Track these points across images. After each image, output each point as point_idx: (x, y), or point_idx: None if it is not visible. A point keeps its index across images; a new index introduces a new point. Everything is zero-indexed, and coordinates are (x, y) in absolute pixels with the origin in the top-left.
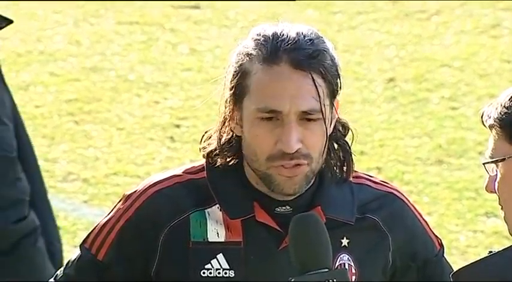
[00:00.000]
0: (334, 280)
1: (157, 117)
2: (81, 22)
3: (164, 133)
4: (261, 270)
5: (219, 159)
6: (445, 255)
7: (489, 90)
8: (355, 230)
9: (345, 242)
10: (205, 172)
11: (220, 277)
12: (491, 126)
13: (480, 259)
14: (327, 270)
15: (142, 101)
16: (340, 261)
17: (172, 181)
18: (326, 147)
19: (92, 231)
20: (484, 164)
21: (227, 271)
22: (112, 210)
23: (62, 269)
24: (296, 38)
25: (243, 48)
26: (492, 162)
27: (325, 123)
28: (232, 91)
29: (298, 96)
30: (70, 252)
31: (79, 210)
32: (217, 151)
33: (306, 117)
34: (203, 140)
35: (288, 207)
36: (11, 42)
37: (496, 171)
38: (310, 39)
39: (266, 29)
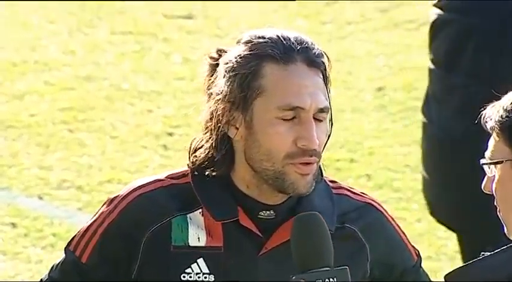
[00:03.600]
0: (335, 279)
1: (151, 125)
2: (76, 32)
3: (157, 141)
4: (240, 275)
5: (208, 171)
6: (422, 265)
7: None
8: (334, 239)
9: None
10: (188, 177)
11: (200, 281)
12: (491, 128)
13: (473, 261)
14: (328, 269)
15: (135, 110)
16: None
17: (155, 185)
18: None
19: (76, 234)
20: (482, 164)
21: (207, 275)
22: (96, 213)
23: (47, 272)
24: (304, 39)
25: (244, 52)
26: (490, 163)
27: (331, 121)
28: (239, 94)
29: (316, 93)
30: None
31: (73, 217)
32: (207, 163)
33: (318, 115)
34: (191, 153)
35: (271, 212)
36: (6, 52)
37: (494, 172)
38: (312, 42)
39: (265, 33)
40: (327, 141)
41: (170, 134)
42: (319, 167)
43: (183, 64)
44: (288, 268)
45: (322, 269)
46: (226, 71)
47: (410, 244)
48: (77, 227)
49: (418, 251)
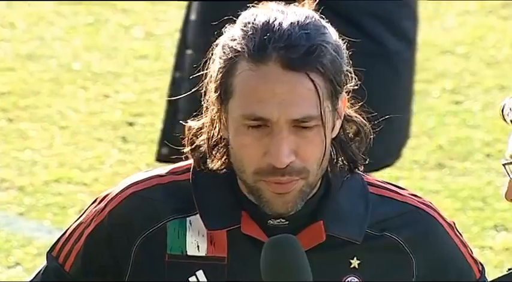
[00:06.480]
0: None
1: (107, 113)
2: (16, 1)
3: (115, 132)
4: None
5: (209, 164)
6: None
7: (498, 80)
8: (369, 250)
9: (355, 262)
10: (190, 173)
11: None
12: None
13: (501, 276)
14: None
15: (88, 95)
16: None
17: (152, 182)
18: (325, 156)
19: (60, 237)
20: (504, 165)
21: None
22: (84, 213)
23: (30, 279)
24: (289, 32)
25: (229, 39)
26: None
27: (324, 130)
28: (216, 91)
29: (290, 102)
30: (2, 273)
31: (14, 224)
32: (206, 155)
33: (300, 124)
34: (188, 141)
35: (282, 220)
36: None
37: None
38: (306, 32)
39: (257, 16)
40: (326, 148)
41: (131, 124)
42: (353, 161)
43: (146, 40)
44: None
45: None
46: (214, 58)
47: (473, 258)
48: (18, 236)
49: (482, 266)
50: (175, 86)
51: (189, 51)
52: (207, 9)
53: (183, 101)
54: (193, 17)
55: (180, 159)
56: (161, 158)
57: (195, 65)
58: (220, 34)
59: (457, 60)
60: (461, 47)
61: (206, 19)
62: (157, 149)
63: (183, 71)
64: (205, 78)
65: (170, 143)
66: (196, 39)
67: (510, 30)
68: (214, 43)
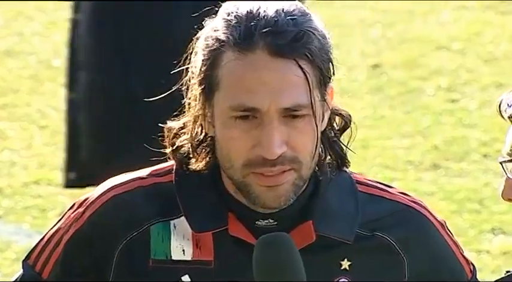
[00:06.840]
0: None
1: None
2: None
3: None
4: None
5: (193, 165)
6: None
7: (496, 77)
8: (360, 251)
9: (345, 264)
10: (173, 174)
11: None
12: (511, 117)
13: (499, 279)
14: None
15: None
16: None
17: (133, 185)
18: (317, 148)
19: (37, 244)
20: (501, 163)
21: None
22: (62, 218)
23: None
24: (275, 18)
25: (211, 30)
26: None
27: (315, 120)
28: (201, 84)
29: (279, 90)
30: None
31: None
32: (190, 155)
33: (290, 113)
34: (169, 142)
35: (271, 221)
36: None
37: None
38: (293, 18)
39: (239, 7)
40: (318, 139)
41: None
42: (341, 157)
43: None
44: None
45: None
46: (197, 52)
47: (464, 257)
48: None
49: (473, 265)
50: (72, 109)
51: (82, 73)
52: (99, 26)
53: (83, 124)
54: (81, 31)
55: (90, 184)
56: (69, 184)
57: (92, 87)
58: (116, 50)
59: (452, 56)
60: (457, 43)
61: (100, 34)
62: (63, 174)
63: (77, 93)
64: (185, 76)
65: (76, 167)
66: (89, 58)
67: (508, 25)
68: (195, 37)
